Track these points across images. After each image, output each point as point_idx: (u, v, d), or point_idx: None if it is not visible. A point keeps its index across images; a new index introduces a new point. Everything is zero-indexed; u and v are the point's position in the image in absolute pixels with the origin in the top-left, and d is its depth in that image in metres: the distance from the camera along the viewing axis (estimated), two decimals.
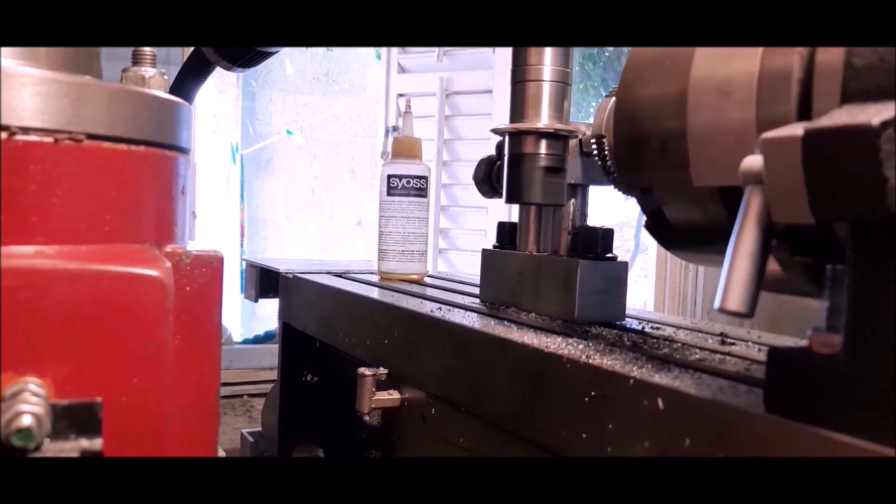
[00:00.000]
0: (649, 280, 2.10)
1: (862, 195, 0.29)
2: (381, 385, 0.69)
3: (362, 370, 0.69)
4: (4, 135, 0.39)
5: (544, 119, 0.67)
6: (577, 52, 0.71)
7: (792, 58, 0.37)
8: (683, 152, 0.44)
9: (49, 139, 0.40)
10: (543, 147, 0.67)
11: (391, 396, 0.68)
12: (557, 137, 0.67)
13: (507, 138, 0.70)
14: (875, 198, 0.29)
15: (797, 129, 0.32)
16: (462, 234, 2.18)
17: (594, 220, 0.72)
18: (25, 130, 0.40)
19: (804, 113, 0.36)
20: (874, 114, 0.29)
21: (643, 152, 0.47)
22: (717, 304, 0.34)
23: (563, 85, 0.68)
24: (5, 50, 0.43)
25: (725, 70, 0.41)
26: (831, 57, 0.34)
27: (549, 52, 0.67)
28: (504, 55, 1.93)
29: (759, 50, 0.39)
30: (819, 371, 0.33)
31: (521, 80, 0.68)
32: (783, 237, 0.36)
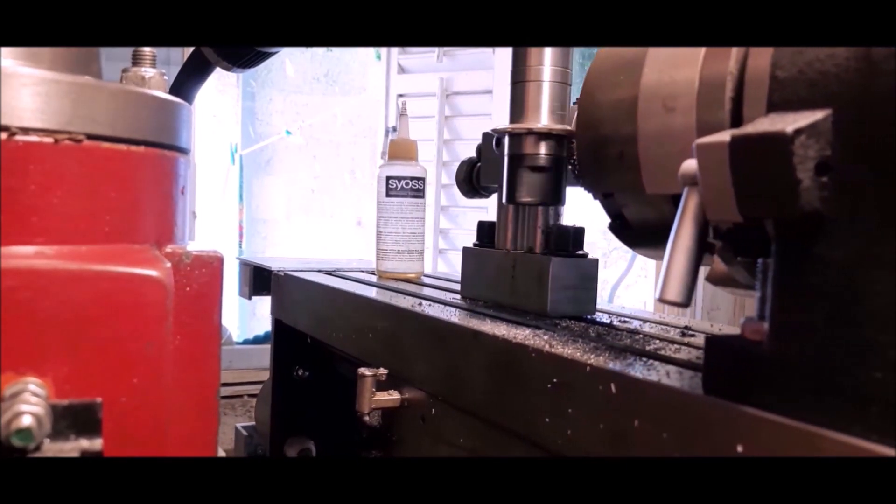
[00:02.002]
0: (649, 280, 2.10)
1: (779, 196, 0.32)
2: (382, 385, 0.69)
3: (362, 370, 0.69)
4: (4, 135, 0.39)
5: (544, 119, 0.67)
6: (577, 52, 0.71)
7: (726, 68, 0.41)
8: (637, 160, 0.47)
9: (49, 139, 0.40)
10: (543, 147, 0.67)
11: (391, 397, 0.68)
12: (557, 138, 0.67)
13: (506, 138, 0.70)
14: (790, 198, 0.32)
15: (726, 136, 0.35)
16: (462, 234, 2.18)
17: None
18: (25, 131, 0.40)
19: (737, 120, 0.40)
20: (791, 122, 0.32)
21: (603, 158, 0.51)
22: (657, 295, 0.38)
23: (562, 85, 0.68)
24: (5, 50, 0.43)
25: (670, 79, 0.45)
26: (759, 65, 0.37)
27: (548, 52, 0.67)
28: (504, 55, 1.93)
29: (700, 58, 0.43)
30: (748, 355, 0.36)
31: (520, 80, 0.68)
32: (727, 238, 0.39)
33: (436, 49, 2.20)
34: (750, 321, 0.37)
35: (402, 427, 0.70)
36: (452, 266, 2.12)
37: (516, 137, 0.68)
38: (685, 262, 0.37)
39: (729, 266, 0.41)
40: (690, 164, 0.37)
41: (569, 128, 0.67)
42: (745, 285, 0.42)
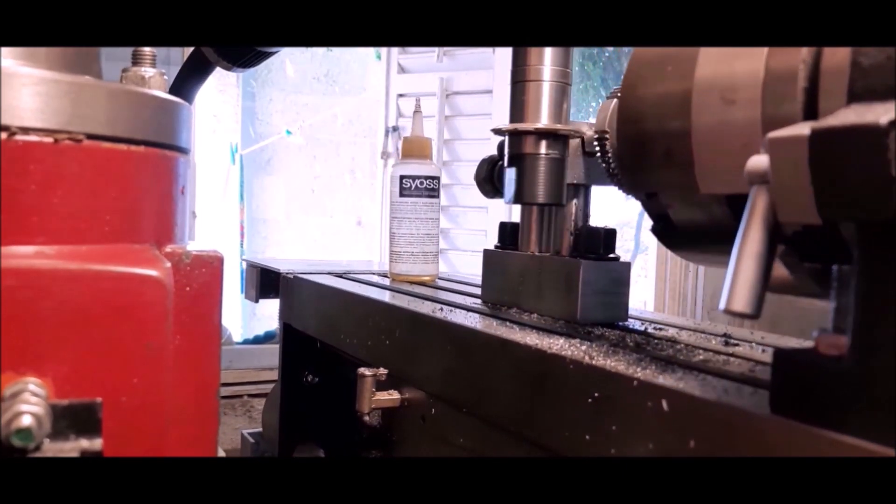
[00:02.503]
0: (649, 280, 2.10)
1: (869, 196, 0.29)
2: (381, 385, 0.69)
3: (362, 370, 0.69)
4: (4, 135, 0.39)
5: (544, 119, 0.67)
6: (577, 52, 0.71)
7: (797, 57, 0.37)
8: (688, 156, 0.43)
9: (49, 139, 0.40)
10: (544, 147, 0.67)
11: (391, 397, 0.68)
12: (557, 137, 0.67)
13: (507, 138, 0.70)
14: (882, 198, 0.29)
15: (804, 129, 0.31)
16: (462, 234, 2.18)
17: (595, 220, 0.72)
18: (25, 130, 0.40)
19: (810, 113, 0.36)
20: (882, 113, 0.29)
21: (647, 156, 0.47)
22: (722, 305, 0.34)
23: (563, 85, 0.68)
24: (5, 50, 0.43)
25: (729, 71, 0.41)
26: (837, 56, 0.34)
27: (549, 52, 0.67)
28: (504, 55, 1.93)
29: (764, 50, 0.39)
30: (825, 372, 0.33)
31: (520, 80, 0.68)
32: (792, 242, 0.36)
33: (436, 49, 2.20)
34: (825, 334, 0.34)
35: (402, 427, 0.70)
36: (453, 266, 2.12)
37: (516, 137, 0.68)
38: (755, 269, 0.34)
39: (793, 272, 0.38)
40: (760, 161, 0.34)
41: (569, 127, 0.67)
42: (809, 293, 0.39)
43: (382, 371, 0.69)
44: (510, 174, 0.69)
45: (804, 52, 0.36)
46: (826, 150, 0.30)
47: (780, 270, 0.38)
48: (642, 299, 2.12)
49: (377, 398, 0.68)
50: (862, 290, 0.32)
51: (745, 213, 0.35)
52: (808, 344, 0.36)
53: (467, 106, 2.18)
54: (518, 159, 0.68)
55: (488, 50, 2.08)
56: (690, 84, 0.43)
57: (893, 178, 0.28)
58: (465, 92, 2.18)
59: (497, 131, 0.71)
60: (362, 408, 0.68)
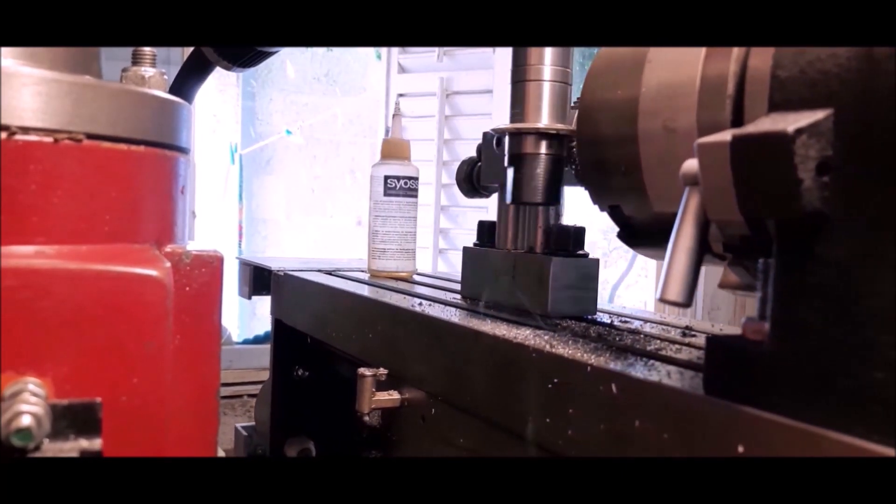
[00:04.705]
0: (649, 280, 2.10)
1: (780, 195, 0.32)
2: (381, 385, 0.69)
3: (362, 370, 0.69)
4: (4, 135, 0.39)
5: (544, 119, 0.67)
6: (577, 52, 0.71)
7: (727, 65, 0.40)
8: (641, 178, 0.47)
9: (49, 139, 0.40)
10: (544, 147, 0.67)
11: (391, 397, 0.68)
12: (558, 137, 0.67)
13: (506, 138, 0.70)
14: (791, 198, 0.32)
15: (727, 136, 0.35)
16: (462, 234, 2.18)
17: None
18: (25, 130, 0.40)
19: (738, 121, 0.40)
20: (792, 122, 0.32)
21: (607, 172, 0.51)
22: (657, 295, 0.38)
23: (563, 85, 0.68)
24: (5, 50, 0.43)
25: (672, 79, 0.44)
26: (760, 65, 0.37)
27: (549, 52, 0.67)
28: (504, 55, 1.93)
29: (702, 55, 0.42)
30: (749, 355, 0.36)
31: (521, 79, 0.68)
32: (735, 251, 0.39)
33: (436, 49, 2.20)
34: (751, 321, 0.37)
35: (402, 427, 0.70)
36: (453, 266, 2.12)
37: (516, 137, 0.68)
38: (686, 262, 0.37)
39: (742, 278, 0.41)
40: (692, 164, 0.37)
41: (569, 127, 0.67)
42: (745, 286, 0.42)
43: (382, 371, 0.69)
44: (510, 174, 0.69)
45: (733, 62, 0.40)
46: (744, 154, 0.34)
47: (732, 277, 0.42)
48: (642, 300, 2.12)
49: (377, 398, 0.68)
50: (778, 281, 0.35)
51: (679, 211, 0.38)
52: (738, 331, 0.39)
53: (467, 106, 2.18)
54: (518, 159, 0.68)
55: (488, 50, 2.08)
56: (636, 104, 0.47)
57: (799, 180, 0.32)
58: (465, 92, 2.18)
59: (497, 131, 0.71)
60: (362, 408, 0.68)
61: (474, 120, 2.13)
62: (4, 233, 0.39)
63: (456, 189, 0.89)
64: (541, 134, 0.67)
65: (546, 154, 0.67)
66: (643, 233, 0.52)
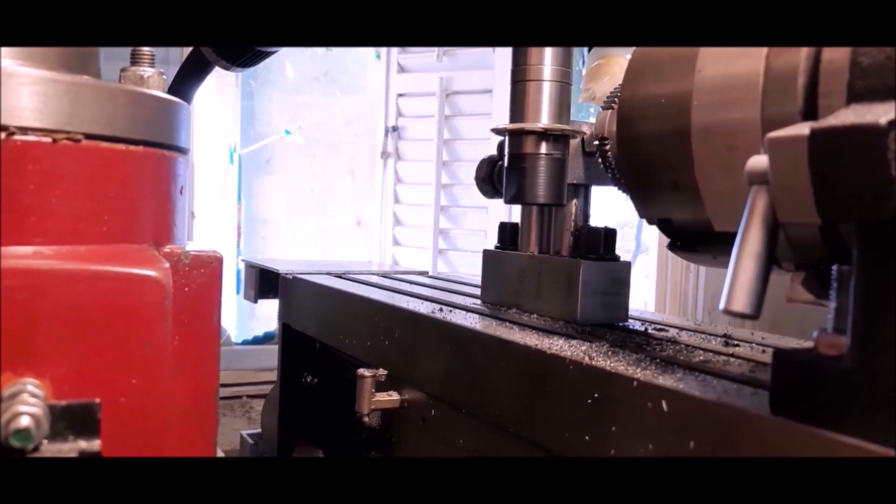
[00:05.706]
0: (650, 280, 2.10)
1: (869, 196, 0.29)
2: (381, 386, 0.69)
3: (361, 371, 0.68)
4: (3, 135, 0.39)
5: (544, 119, 0.67)
6: (577, 52, 0.71)
7: (797, 57, 0.37)
8: (696, 193, 0.43)
9: (47, 139, 0.40)
10: (544, 147, 0.67)
11: (391, 398, 0.68)
12: (558, 137, 0.67)
13: (507, 138, 0.70)
14: (882, 199, 0.28)
15: (803, 129, 0.31)
16: (462, 234, 2.18)
17: (596, 220, 0.72)
18: (24, 130, 0.39)
19: (810, 113, 0.36)
20: (882, 113, 0.29)
21: (654, 184, 0.47)
22: (722, 306, 0.34)
23: (563, 85, 0.67)
24: (5, 50, 0.43)
25: (731, 72, 0.40)
26: (837, 56, 0.34)
27: (549, 52, 0.66)
28: (504, 55, 1.93)
29: (764, 51, 0.39)
30: (825, 373, 0.33)
31: (521, 79, 0.68)
32: (790, 242, 0.36)
33: (436, 49, 2.19)
34: (824, 334, 0.34)
35: (401, 428, 0.70)
36: (453, 266, 2.12)
37: (516, 137, 0.68)
38: (754, 269, 0.33)
39: (815, 294, 0.38)
40: (760, 161, 0.34)
41: (570, 127, 0.67)
42: (816, 300, 0.39)
43: (382, 372, 0.69)
44: (510, 174, 0.69)
45: (804, 53, 0.36)
46: (825, 149, 0.30)
47: (805, 296, 0.38)
48: (643, 299, 2.12)
49: (377, 399, 0.68)
50: (861, 291, 0.31)
51: (745, 213, 0.34)
52: (808, 344, 0.36)
53: (467, 105, 2.18)
54: (518, 159, 0.68)
55: (488, 50, 2.08)
56: (689, 98, 0.42)
57: (893, 179, 0.28)
58: (465, 91, 2.18)
59: (497, 131, 0.71)
60: (362, 409, 0.68)
61: (474, 120, 2.13)
62: (3, 233, 0.39)
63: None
64: (541, 134, 0.67)
65: (546, 154, 0.67)
66: (697, 239, 0.47)
